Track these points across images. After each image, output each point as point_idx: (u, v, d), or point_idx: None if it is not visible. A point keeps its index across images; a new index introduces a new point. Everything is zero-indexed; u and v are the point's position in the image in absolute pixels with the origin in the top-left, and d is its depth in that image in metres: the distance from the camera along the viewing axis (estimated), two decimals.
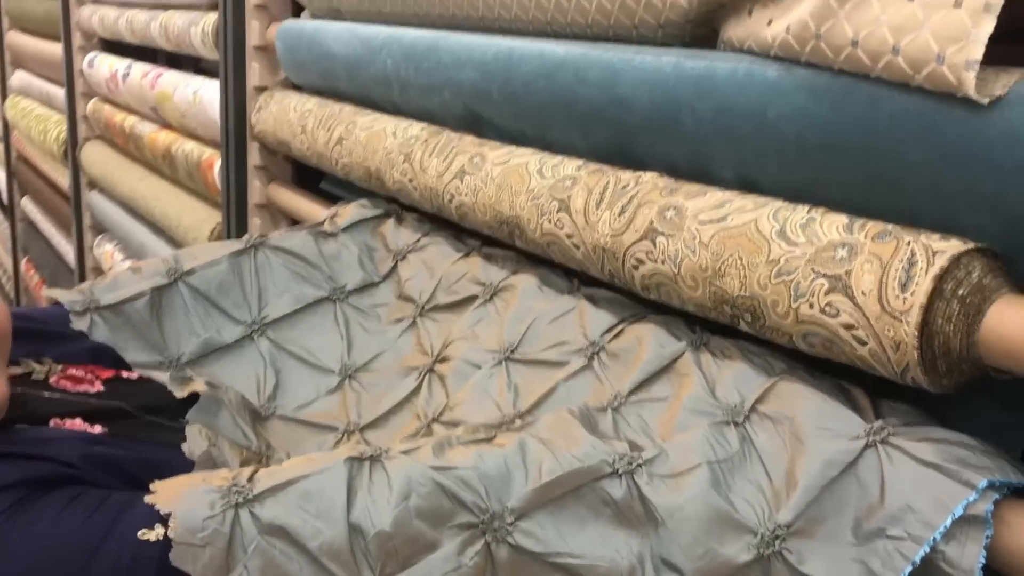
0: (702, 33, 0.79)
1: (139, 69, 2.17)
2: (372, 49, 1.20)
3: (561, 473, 0.66)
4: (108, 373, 0.85)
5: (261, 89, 1.53)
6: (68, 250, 2.99)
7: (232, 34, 1.52)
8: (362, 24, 1.26)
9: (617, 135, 0.86)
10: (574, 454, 0.67)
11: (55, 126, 2.87)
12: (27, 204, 3.67)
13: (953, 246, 0.60)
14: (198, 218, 1.85)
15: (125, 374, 0.88)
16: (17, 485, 0.63)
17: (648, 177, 0.82)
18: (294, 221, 1.58)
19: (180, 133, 1.99)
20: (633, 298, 0.89)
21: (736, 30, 0.74)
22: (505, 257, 1.04)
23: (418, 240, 1.14)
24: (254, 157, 1.57)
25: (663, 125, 0.80)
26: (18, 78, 3.50)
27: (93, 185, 2.65)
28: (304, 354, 0.99)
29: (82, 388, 0.81)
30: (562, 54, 0.89)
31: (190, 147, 1.88)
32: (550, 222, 0.89)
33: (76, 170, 2.70)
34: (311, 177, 1.55)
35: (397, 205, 1.21)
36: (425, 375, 0.96)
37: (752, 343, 0.77)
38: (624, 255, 0.81)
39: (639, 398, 0.79)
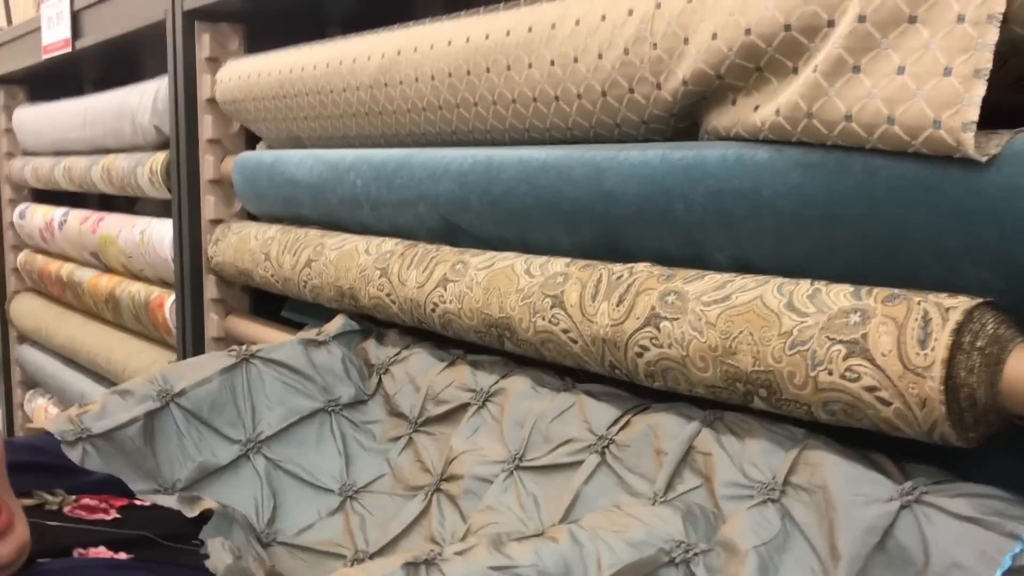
0: (684, 127, 0.83)
1: (77, 215, 2.15)
2: (339, 172, 1.21)
3: (621, 567, 0.64)
4: (121, 501, 0.82)
5: (216, 222, 1.53)
6: None
7: (186, 169, 1.53)
8: (326, 150, 1.28)
9: (605, 230, 0.88)
10: (629, 541, 0.66)
11: None
12: None
13: (963, 302, 0.62)
14: (147, 359, 1.81)
15: (138, 501, 0.85)
16: None
17: (641, 267, 0.83)
18: None
19: (124, 276, 1.96)
20: (633, 391, 0.89)
21: (720, 119, 0.77)
22: (492, 363, 1.04)
23: (399, 353, 1.13)
24: (210, 290, 1.55)
25: (653, 215, 0.82)
26: None
27: (24, 339, 2.57)
28: (301, 472, 0.95)
29: (98, 516, 0.78)
30: (543, 157, 0.91)
31: (136, 288, 1.85)
32: (544, 319, 0.89)
33: (4, 325, 2.62)
34: (270, 307, 1.54)
35: (372, 323, 1.21)
36: (432, 495, 0.93)
37: (764, 416, 0.78)
38: (627, 344, 0.81)
39: (676, 494, 0.77)
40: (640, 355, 0.80)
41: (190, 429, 0.94)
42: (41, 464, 0.81)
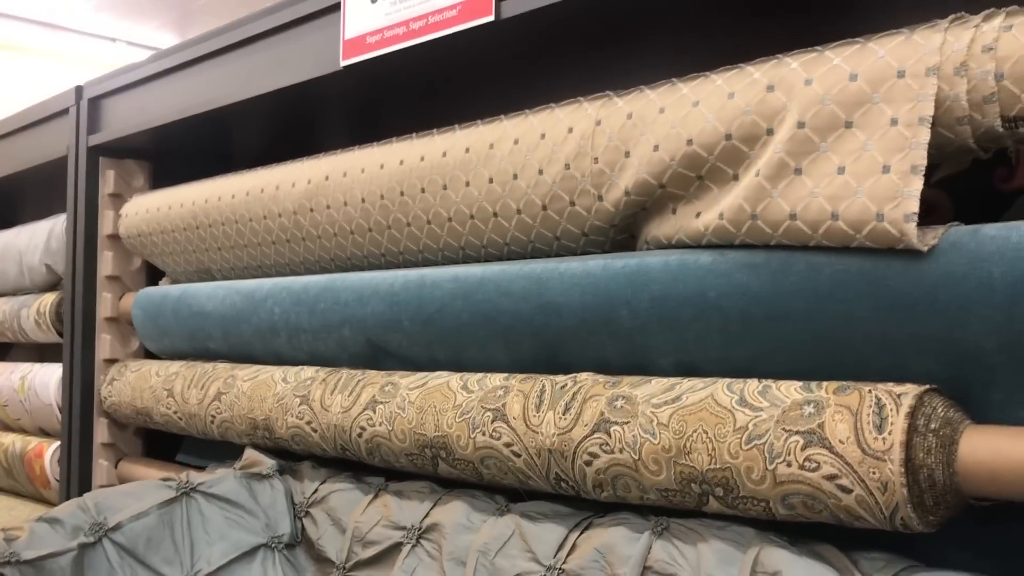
0: (622, 239, 0.86)
1: None
2: (255, 301, 1.19)
3: None
4: None
5: (111, 361, 1.46)
6: None
7: (82, 308, 1.46)
8: (240, 280, 1.25)
9: (545, 343, 0.88)
10: None
11: None
12: None
13: (912, 388, 0.65)
14: (16, 518, 1.66)
15: None
16: None
17: (584, 376, 0.84)
18: None
19: None
20: (572, 504, 0.87)
21: (661, 228, 0.80)
22: (418, 491, 1.00)
23: (316, 490, 1.07)
24: (101, 434, 1.46)
25: (597, 323, 0.83)
26: None
27: None
28: None
29: None
30: (480, 273, 0.92)
31: (10, 440, 1.72)
32: (484, 434, 0.87)
33: None
34: (163, 450, 1.45)
35: (285, 458, 1.15)
36: None
37: (710, 517, 0.77)
38: (575, 452, 0.80)
39: None
40: (589, 463, 0.79)
41: (123, 566, 0.88)
42: None
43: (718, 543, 0.75)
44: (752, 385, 0.72)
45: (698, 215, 0.77)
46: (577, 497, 0.85)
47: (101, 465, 1.45)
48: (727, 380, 0.74)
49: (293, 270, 1.19)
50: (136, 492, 0.95)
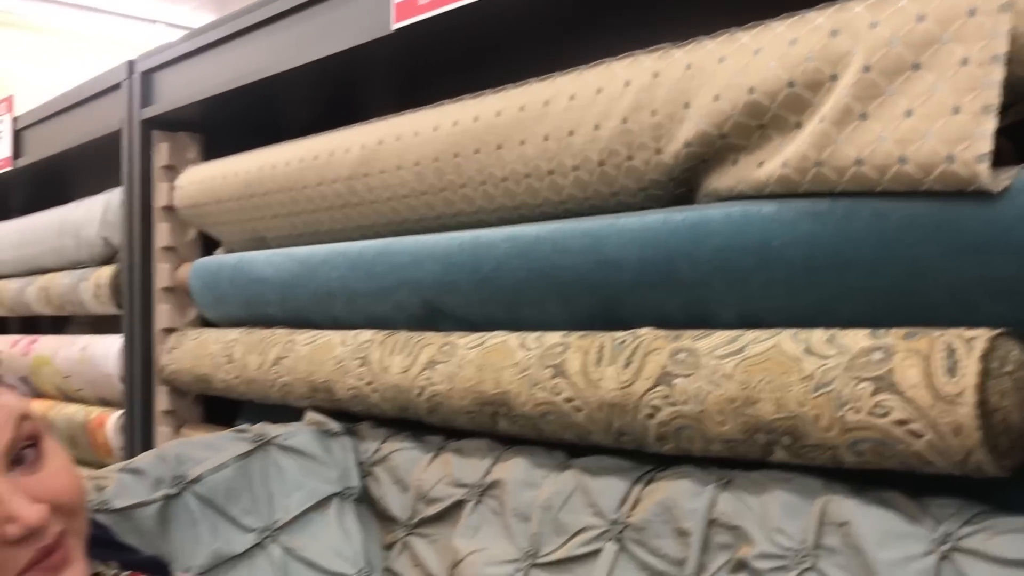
0: (681, 193, 0.85)
1: (5, 340, 2.06)
2: (311, 267, 1.20)
3: None
4: None
5: (169, 331, 1.48)
6: None
7: (139, 279, 1.49)
8: (295, 248, 1.27)
9: (603, 299, 0.88)
10: None
11: None
12: None
13: (984, 332, 0.64)
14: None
15: None
16: None
17: (645, 331, 0.84)
18: None
19: (57, 399, 1.87)
20: (628, 458, 0.87)
21: (721, 180, 0.80)
22: (476, 449, 1.01)
23: (377, 450, 1.09)
24: (161, 403, 1.49)
25: (656, 278, 0.83)
26: None
27: None
28: (318, 560, 0.91)
29: None
30: (535, 232, 0.92)
31: (72, 410, 1.76)
32: (544, 390, 0.88)
33: None
34: (223, 416, 1.48)
35: (345, 419, 1.17)
36: None
37: (775, 469, 0.77)
38: (637, 405, 0.80)
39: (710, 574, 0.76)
40: (652, 416, 0.80)
41: (205, 516, 0.91)
42: (96, 536, 0.76)
43: (784, 494, 0.75)
44: (818, 334, 0.72)
45: (760, 165, 0.76)
46: (638, 451, 0.86)
47: (162, 432, 1.48)
48: (792, 330, 0.74)
49: (348, 236, 1.20)
50: (214, 444, 0.98)
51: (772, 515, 0.74)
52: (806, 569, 0.70)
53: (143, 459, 0.94)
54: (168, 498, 0.91)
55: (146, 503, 0.89)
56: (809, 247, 0.73)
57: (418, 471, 1.03)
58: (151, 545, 0.87)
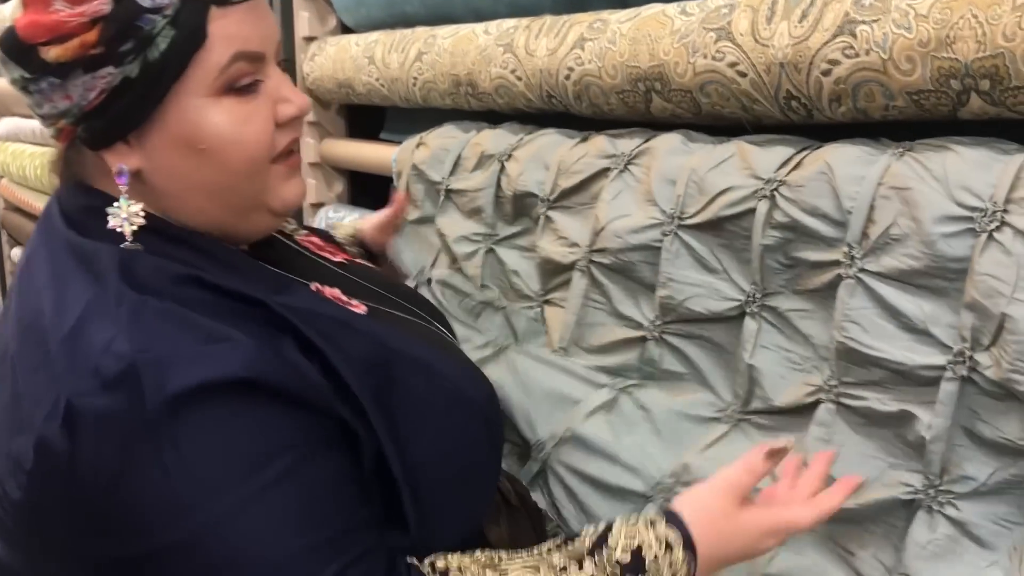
0: None
1: None
2: None
3: None
4: (343, 255, 0.78)
5: (310, 39, 1.46)
6: None
7: None
8: None
9: None
10: None
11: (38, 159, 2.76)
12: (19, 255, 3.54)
13: None
14: None
15: (359, 261, 0.81)
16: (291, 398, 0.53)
17: None
18: (352, 175, 1.50)
19: None
20: (796, 133, 0.81)
21: None
22: (630, 132, 0.95)
23: (520, 139, 1.05)
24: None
25: None
26: (6, 124, 3.39)
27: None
28: None
29: (325, 254, 0.74)
30: None
31: None
32: (705, 56, 0.81)
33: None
34: (367, 128, 1.48)
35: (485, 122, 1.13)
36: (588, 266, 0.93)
37: (964, 134, 0.69)
38: (811, 62, 0.73)
39: (871, 241, 0.71)
40: (827, 72, 0.72)
41: None
42: None
43: (972, 152, 0.67)
44: None
45: None
46: (807, 124, 0.79)
47: (307, 143, 1.49)
48: None
49: None
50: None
51: (956, 172, 0.67)
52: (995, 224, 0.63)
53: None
54: None
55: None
56: None
57: (562, 151, 0.98)
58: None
